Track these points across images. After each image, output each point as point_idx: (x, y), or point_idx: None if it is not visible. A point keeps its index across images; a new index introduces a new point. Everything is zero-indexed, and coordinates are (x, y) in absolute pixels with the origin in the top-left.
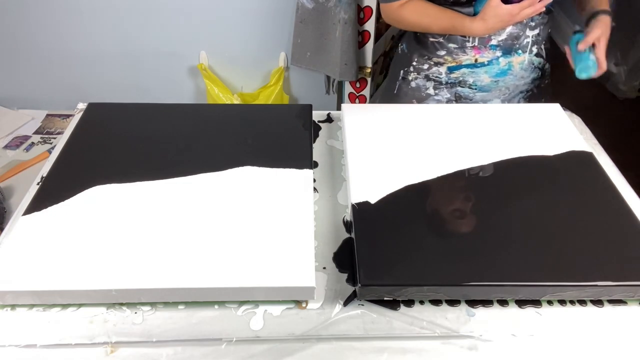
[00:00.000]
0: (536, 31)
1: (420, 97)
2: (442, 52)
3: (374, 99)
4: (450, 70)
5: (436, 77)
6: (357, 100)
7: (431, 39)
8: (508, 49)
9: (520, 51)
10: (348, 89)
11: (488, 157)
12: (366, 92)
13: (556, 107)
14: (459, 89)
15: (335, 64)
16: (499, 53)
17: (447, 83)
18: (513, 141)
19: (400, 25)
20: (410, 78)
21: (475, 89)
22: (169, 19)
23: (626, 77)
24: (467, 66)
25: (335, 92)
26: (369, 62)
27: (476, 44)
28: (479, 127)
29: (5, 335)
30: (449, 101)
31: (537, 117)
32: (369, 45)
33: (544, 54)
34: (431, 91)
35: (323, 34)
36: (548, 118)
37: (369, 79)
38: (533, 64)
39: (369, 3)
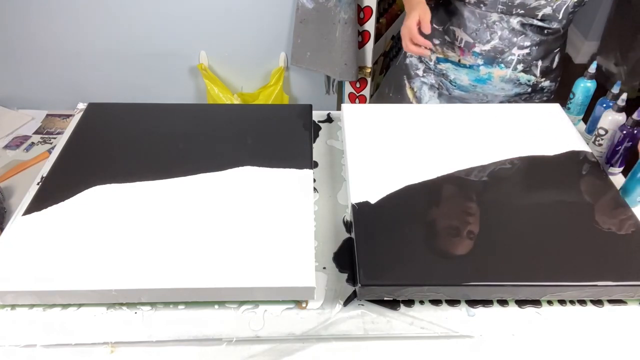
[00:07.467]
0: (525, 51)
1: (409, 75)
2: (437, 41)
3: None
4: (438, 60)
5: (426, 61)
6: (357, 100)
7: (434, 25)
8: (490, 59)
9: (502, 65)
10: (348, 89)
11: (488, 157)
12: (366, 92)
13: (556, 107)
14: (442, 79)
15: (335, 64)
16: (480, 61)
17: (433, 71)
18: (513, 141)
19: None
20: (408, 54)
21: (455, 86)
22: (169, 19)
23: (626, 77)
24: (452, 62)
25: (335, 92)
26: (369, 62)
27: (462, 46)
28: (479, 127)
29: (5, 335)
30: (432, 87)
31: (537, 117)
32: (369, 45)
33: (537, 72)
34: (420, 72)
35: (323, 34)
36: (548, 118)
37: (369, 79)
38: (518, 80)
39: (369, 3)
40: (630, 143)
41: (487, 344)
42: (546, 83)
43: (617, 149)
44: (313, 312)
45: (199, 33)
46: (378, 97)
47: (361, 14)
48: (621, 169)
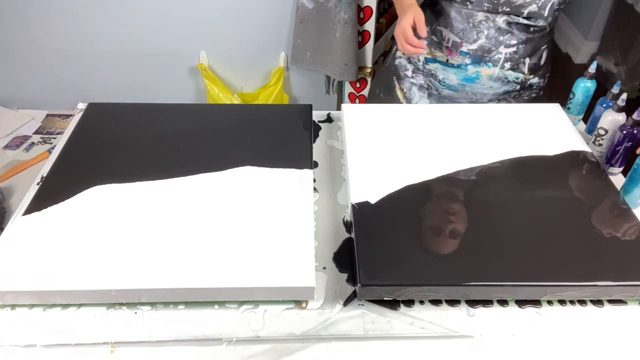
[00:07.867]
0: (512, 49)
1: (399, 76)
2: (425, 42)
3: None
4: (427, 61)
5: (415, 62)
6: (357, 100)
7: None
8: (478, 58)
9: (490, 64)
10: (348, 89)
11: (488, 157)
12: (366, 92)
13: (556, 107)
14: (432, 80)
15: (335, 64)
16: (468, 60)
17: (422, 71)
18: (513, 141)
19: None
20: (397, 55)
21: (444, 86)
22: (169, 19)
23: (626, 77)
24: (440, 62)
25: (335, 92)
26: (369, 62)
27: (449, 46)
28: (479, 127)
29: (5, 335)
30: (421, 87)
31: (537, 117)
32: (369, 45)
33: (524, 69)
34: (409, 73)
35: (323, 34)
36: (548, 118)
37: (369, 79)
38: (506, 78)
39: (369, 3)
40: (630, 143)
41: (487, 344)
42: (534, 80)
43: (617, 149)
44: (313, 312)
45: (199, 33)
46: (370, 98)
47: (361, 14)
48: (621, 169)
